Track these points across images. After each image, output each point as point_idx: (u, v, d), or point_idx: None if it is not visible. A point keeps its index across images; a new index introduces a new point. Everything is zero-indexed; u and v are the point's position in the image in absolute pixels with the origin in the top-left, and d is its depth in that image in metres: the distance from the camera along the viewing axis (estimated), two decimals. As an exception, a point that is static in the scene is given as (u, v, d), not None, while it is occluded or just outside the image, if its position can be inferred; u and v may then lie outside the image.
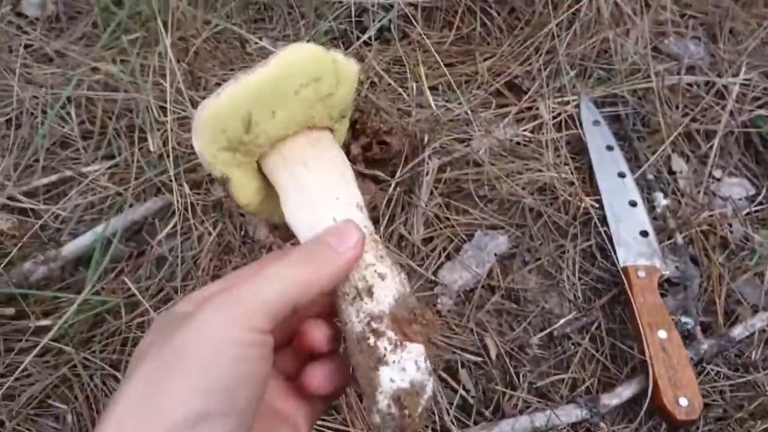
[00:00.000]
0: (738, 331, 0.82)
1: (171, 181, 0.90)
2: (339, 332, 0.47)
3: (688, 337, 0.81)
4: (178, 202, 0.85)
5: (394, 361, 0.43)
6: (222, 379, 0.37)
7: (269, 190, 0.51)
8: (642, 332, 0.78)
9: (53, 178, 0.95)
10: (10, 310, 0.80)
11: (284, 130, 0.48)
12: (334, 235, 0.45)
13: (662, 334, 0.77)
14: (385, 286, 0.45)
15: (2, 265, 0.82)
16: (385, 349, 0.43)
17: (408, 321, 0.44)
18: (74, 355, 0.77)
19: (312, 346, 0.46)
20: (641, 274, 0.83)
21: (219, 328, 0.39)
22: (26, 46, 1.09)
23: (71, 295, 0.81)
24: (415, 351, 0.44)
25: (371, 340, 0.43)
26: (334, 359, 0.47)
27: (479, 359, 0.81)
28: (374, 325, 0.44)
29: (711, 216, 0.93)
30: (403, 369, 0.43)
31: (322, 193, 0.47)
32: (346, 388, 0.49)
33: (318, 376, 0.46)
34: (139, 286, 0.83)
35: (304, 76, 0.46)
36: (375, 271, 0.46)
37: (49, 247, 0.87)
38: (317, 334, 0.46)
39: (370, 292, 0.45)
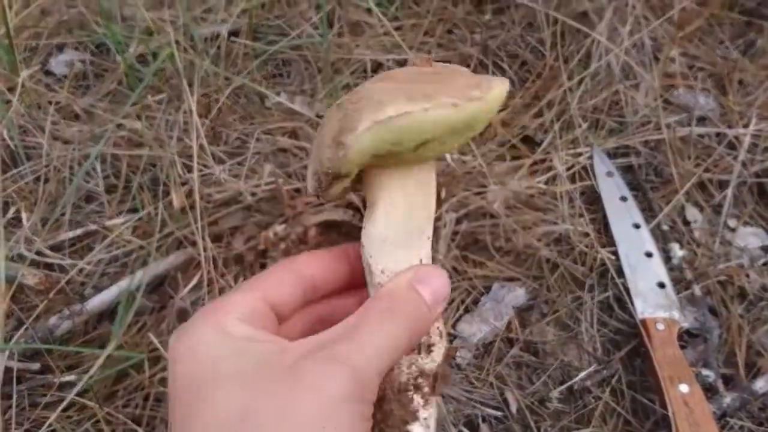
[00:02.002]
0: (760, 384, 0.81)
1: (193, 234, 0.92)
2: None
3: (709, 390, 0.81)
4: (201, 255, 0.87)
5: (424, 418, 0.43)
6: None
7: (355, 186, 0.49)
8: (663, 386, 0.78)
9: (78, 232, 0.98)
10: (35, 365, 0.81)
11: (434, 156, 0.46)
12: (427, 285, 0.41)
13: (684, 388, 0.77)
14: (441, 345, 0.45)
15: (29, 320, 0.84)
16: (419, 404, 0.43)
17: (436, 381, 0.44)
18: (98, 410, 0.78)
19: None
20: (660, 326, 0.83)
21: (344, 414, 0.35)
22: (54, 104, 1.13)
23: (95, 350, 0.82)
24: (435, 406, 0.44)
25: (411, 394, 0.43)
26: None
27: (500, 413, 0.80)
28: (420, 380, 0.43)
29: (728, 266, 0.93)
30: (428, 426, 0.43)
31: (416, 226, 0.45)
32: None
33: None
34: (162, 340, 0.84)
35: (492, 114, 0.44)
36: (437, 327, 0.44)
37: (74, 301, 0.88)
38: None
39: (429, 349, 0.44)
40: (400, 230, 0.45)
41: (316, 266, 0.47)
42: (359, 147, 0.41)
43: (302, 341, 0.39)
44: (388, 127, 0.40)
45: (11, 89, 1.05)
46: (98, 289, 0.91)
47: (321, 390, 0.34)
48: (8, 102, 1.01)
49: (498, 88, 0.43)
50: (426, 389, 0.43)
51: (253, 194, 1.00)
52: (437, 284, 0.42)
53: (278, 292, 0.45)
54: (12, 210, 0.95)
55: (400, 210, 0.45)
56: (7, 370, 0.79)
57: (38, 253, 0.92)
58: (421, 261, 0.45)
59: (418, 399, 0.43)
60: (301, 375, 0.35)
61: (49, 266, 0.94)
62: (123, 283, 0.89)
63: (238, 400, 0.34)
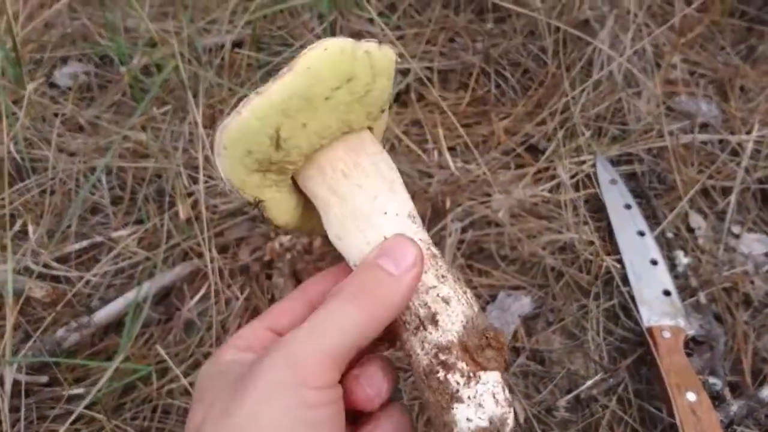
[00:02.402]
0: (767, 393, 0.81)
1: (200, 245, 0.93)
2: (390, 384, 0.43)
3: (716, 398, 0.81)
4: (208, 266, 0.87)
5: (469, 397, 0.38)
6: None
7: (308, 203, 0.47)
8: (670, 394, 0.78)
9: (84, 243, 0.98)
10: (43, 378, 0.81)
11: (319, 141, 0.43)
12: (388, 256, 0.40)
13: (691, 396, 0.77)
14: (451, 311, 0.40)
15: (37, 333, 0.84)
16: (458, 383, 0.38)
17: (480, 347, 0.39)
18: (106, 422, 0.78)
19: (361, 408, 0.42)
20: (666, 334, 0.84)
21: (278, 401, 0.36)
22: (58, 116, 1.13)
23: (103, 363, 0.82)
24: (491, 381, 0.39)
25: (441, 375, 0.39)
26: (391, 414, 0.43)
27: (507, 423, 0.80)
28: (442, 357, 0.39)
29: (732, 273, 0.93)
30: (480, 405, 0.38)
31: (367, 207, 0.43)
32: None
33: None
34: (168, 352, 0.84)
35: (334, 79, 0.40)
36: (438, 294, 0.40)
37: (81, 314, 0.88)
38: (361, 395, 0.42)
39: (434, 320, 0.40)
40: (346, 223, 0.43)
41: (323, 286, 0.48)
42: (226, 171, 0.42)
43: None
44: (227, 142, 0.40)
45: (16, 102, 1.06)
46: (104, 301, 0.91)
47: (259, 380, 0.36)
48: (14, 114, 1.01)
49: (310, 52, 0.39)
50: (462, 365, 0.38)
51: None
52: (400, 251, 0.40)
53: (283, 317, 0.47)
54: (18, 223, 0.96)
55: (333, 206, 0.43)
56: (16, 383, 0.79)
57: (45, 265, 0.92)
58: (385, 238, 0.42)
59: (454, 378, 0.38)
60: (249, 372, 0.37)
61: (56, 278, 0.94)
62: (130, 295, 0.89)
63: (201, 411, 0.39)
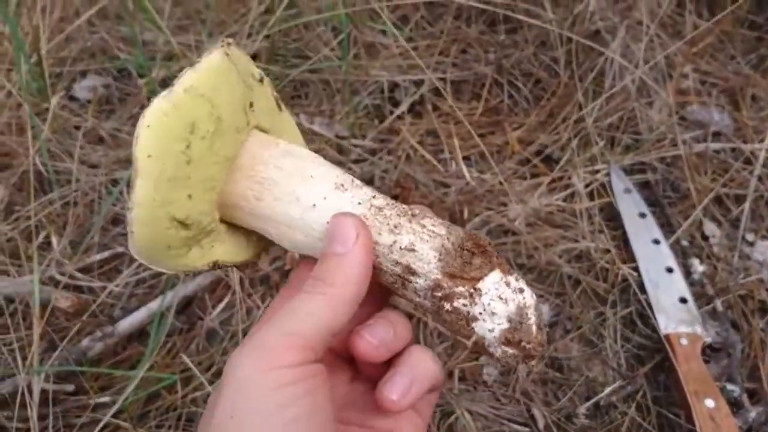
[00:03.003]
0: (785, 398, 0.82)
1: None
2: (398, 333, 0.43)
3: (734, 405, 0.82)
4: (232, 276, 0.88)
5: (480, 312, 0.39)
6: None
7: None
8: (689, 401, 0.78)
9: (106, 254, 0.99)
10: (70, 387, 0.83)
11: (215, 193, 0.43)
12: (334, 240, 0.41)
13: (709, 403, 0.78)
14: (421, 255, 0.41)
15: (64, 343, 0.85)
16: (465, 306, 0.40)
17: (464, 265, 0.40)
18: (132, 430, 0.79)
19: (365, 360, 0.43)
20: (684, 341, 0.84)
21: (250, 391, 0.36)
22: (78, 128, 1.15)
23: (129, 372, 0.83)
24: (491, 285, 0.40)
25: (447, 307, 0.40)
26: (401, 364, 0.44)
27: (527, 430, 0.81)
28: (438, 294, 0.40)
29: (747, 281, 0.94)
30: (493, 313, 0.39)
31: (296, 212, 0.43)
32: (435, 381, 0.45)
33: (395, 392, 0.42)
34: (192, 360, 0.86)
35: (176, 143, 0.39)
36: (400, 247, 0.41)
37: (104, 323, 0.90)
38: (362, 344, 0.42)
39: (411, 271, 0.41)
40: (289, 234, 0.43)
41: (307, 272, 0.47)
42: (169, 268, 0.43)
43: None
44: (141, 246, 0.41)
45: (39, 114, 1.08)
46: (127, 311, 0.92)
47: (231, 376, 0.37)
48: (33, 128, 1.03)
49: (141, 138, 0.38)
50: (459, 289, 0.39)
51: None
52: (339, 230, 0.41)
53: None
54: (42, 234, 0.97)
55: (268, 228, 0.44)
56: (43, 392, 0.80)
57: (69, 276, 0.94)
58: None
59: (459, 304, 0.39)
60: (224, 372, 0.38)
61: (78, 288, 0.96)
62: (152, 305, 0.91)
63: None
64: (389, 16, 1.31)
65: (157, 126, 0.39)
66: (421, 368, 0.44)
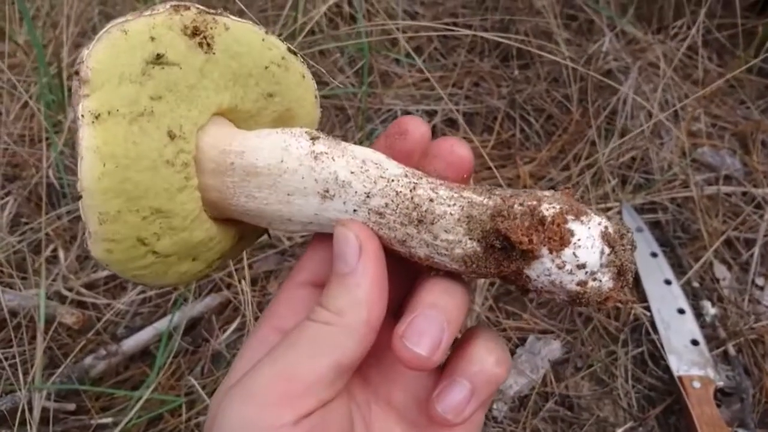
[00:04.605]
0: (798, 447, 0.81)
1: (230, 276, 0.93)
2: (442, 330, 0.36)
3: (747, 451, 0.81)
4: (243, 298, 0.87)
5: (540, 255, 0.35)
6: None
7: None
8: (703, 446, 0.77)
9: (113, 270, 0.98)
10: (71, 406, 0.81)
11: (217, 250, 0.41)
12: (336, 258, 0.36)
13: (723, 448, 0.77)
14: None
15: (68, 360, 0.83)
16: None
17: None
18: (133, 454, 0.77)
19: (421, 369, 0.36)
20: (696, 384, 0.84)
21: None
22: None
23: (133, 392, 0.82)
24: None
25: (489, 259, 0.36)
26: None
27: (537, 469, 0.80)
28: (487, 245, 0.35)
29: (759, 325, 0.94)
30: (542, 255, 0.35)
31: (294, 227, 0.40)
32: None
33: (450, 409, 0.37)
34: (199, 383, 0.84)
35: (146, 159, 0.35)
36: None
37: (108, 341, 0.88)
38: (409, 360, 0.35)
39: (429, 227, 0.36)
40: (289, 227, 0.40)
41: (314, 263, 0.42)
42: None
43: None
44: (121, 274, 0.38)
45: (54, 125, 1.07)
46: (131, 329, 0.91)
47: (224, 424, 0.33)
48: (47, 139, 1.02)
49: (83, 170, 0.34)
50: (497, 243, 0.35)
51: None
52: (339, 245, 0.36)
53: (285, 312, 0.40)
54: (50, 248, 0.96)
55: (261, 213, 0.39)
56: (43, 410, 0.78)
57: (75, 291, 0.92)
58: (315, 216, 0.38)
59: (501, 258, 0.35)
60: (215, 414, 0.35)
61: (83, 304, 0.94)
62: (158, 324, 0.89)
63: None
64: (404, 45, 1.33)
65: (106, 150, 0.34)
66: (482, 376, 0.37)
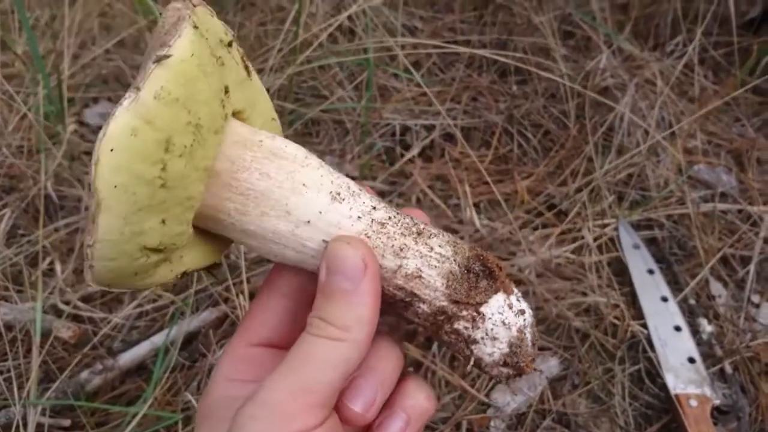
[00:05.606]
0: (794, 466, 0.81)
1: (227, 291, 0.93)
2: (377, 393, 0.41)
3: (744, 471, 0.81)
4: (234, 314, 0.87)
5: (482, 337, 0.39)
6: None
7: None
8: (700, 465, 0.77)
9: (109, 283, 0.98)
10: (66, 422, 0.80)
11: (191, 213, 0.37)
12: (336, 272, 0.37)
13: (721, 467, 0.77)
14: (428, 282, 0.39)
15: (63, 375, 0.83)
16: (466, 329, 0.39)
17: (470, 290, 0.39)
18: (128, 471, 0.76)
19: (357, 425, 0.41)
20: (693, 403, 0.84)
21: None
22: (89, 154, 1.14)
23: (129, 408, 0.81)
24: (495, 308, 0.39)
25: (446, 329, 0.39)
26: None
27: (534, 487, 0.80)
28: (440, 317, 0.39)
29: (755, 343, 0.94)
30: (495, 338, 0.39)
31: (285, 228, 0.38)
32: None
33: None
34: (197, 399, 0.83)
35: (148, 169, 0.33)
36: (406, 273, 0.39)
37: (104, 356, 0.88)
38: (349, 418, 0.40)
39: (415, 297, 0.39)
40: (278, 249, 0.39)
41: (291, 277, 0.43)
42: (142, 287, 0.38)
43: (249, 394, 0.38)
44: (112, 286, 0.36)
45: (50, 138, 1.07)
46: (127, 344, 0.90)
47: None
48: (46, 151, 1.02)
49: (100, 164, 0.31)
50: (463, 313, 0.38)
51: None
52: (344, 261, 0.37)
53: (260, 326, 0.43)
54: (47, 261, 0.96)
55: (251, 243, 0.39)
56: (38, 426, 0.77)
57: (71, 305, 0.92)
58: (324, 242, 0.38)
59: (461, 326, 0.38)
60: (234, 426, 0.36)
61: (79, 317, 0.93)
62: (155, 339, 0.89)
63: None
64: (402, 60, 1.33)
65: (123, 150, 0.31)
66: (416, 413, 0.42)
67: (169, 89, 0.32)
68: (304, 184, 0.38)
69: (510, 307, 0.39)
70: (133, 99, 0.32)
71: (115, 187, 0.32)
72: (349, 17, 1.21)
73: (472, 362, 0.40)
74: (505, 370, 0.40)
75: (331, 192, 0.39)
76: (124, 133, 0.31)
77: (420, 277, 0.39)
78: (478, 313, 0.39)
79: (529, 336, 0.40)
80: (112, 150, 0.32)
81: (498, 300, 0.39)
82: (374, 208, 0.39)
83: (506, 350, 0.39)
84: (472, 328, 0.39)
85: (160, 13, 0.37)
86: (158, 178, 0.33)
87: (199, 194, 0.37)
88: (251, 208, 0.38)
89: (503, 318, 0.39)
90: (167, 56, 0.32)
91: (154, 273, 0.38)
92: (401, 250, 0.39)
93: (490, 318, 0.39)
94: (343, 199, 0.39)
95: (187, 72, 0.33)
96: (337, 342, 0.37)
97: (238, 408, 0.37)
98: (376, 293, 0.38)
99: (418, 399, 0.43)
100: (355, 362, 0.38)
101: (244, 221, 0.38)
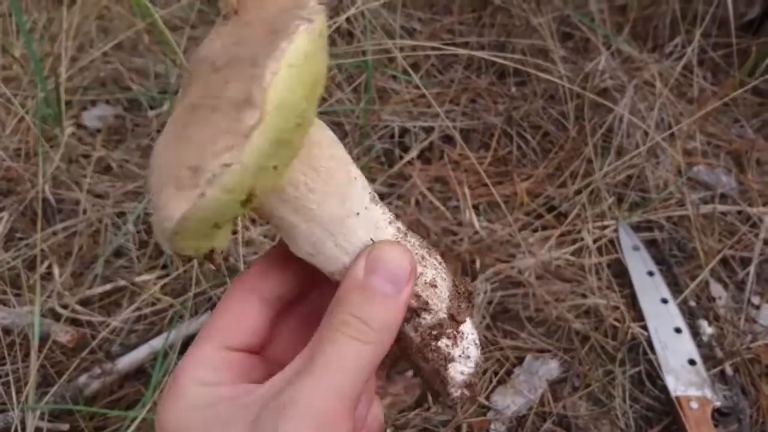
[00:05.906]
0: (795, 468, 0.81)
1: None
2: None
3: (745, 473, 0.81)
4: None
5: (459, 355, 0.40)
6: None
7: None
8: (701, 468, 0.77)
9: (108, 287, 0.97)
10: (64, 426, 0.80)
11: (286, 170, 0.36)
12: (380, 274, 0.36)
13: (722, 470, 0.77)
14: (440, 293, 0.40)
15: (62, 379, 0.82)
16: (447, 346, 0.40)
17: (459, 306, 0.41)
18: (127, 476, 0.76)
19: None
20: (694, 405, 0.83)
21: None
22: (86, 157, 1.14)
23: (127, 412, 0.81)
24: (469, 328, 0.41)
25: (433, 345, 0.40)
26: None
27: (535, 491, 0.79)
28: (435, 332, 0.40)
29: (755, 345, 0.94)
30: (468, 356, 0.41)
31: (339, 213, 0.37)
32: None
33: None
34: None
35: (302, 100, 0.32)
36: (425, 282, 0.39)
37: (103, 360, 0.87)
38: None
39: (426, 307, 0.40)
40: (319, 238, 0.38)
41: (272, 278, 0.42)
42: (183, 249, 0.34)
43: (262, 388, 0.37)
44: (181, 232, 0.33)
45: (48, 141, 1.06)
46: (125, 347, 0.90)
47: None
48: (44, 154, 1.02)
49: (274, 82, 0.30)
50: (449, 330, 0.40)
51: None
52: (393, 263, 0.36)
53: (239, 329, 0.41)
54: (45, 264, 0.95)
55: (299, 224, 0.37)
56: (37, 430, 0.77)
57: (69, 308, 0.91)
58: (372, 240, 0.38)
59: (444, 344, 0.40)
60: (263, 429, 0.34)
61: (77, 321, 0.93)
62: (154, 343, 0.88)
63: None
64: (401, 62, 1.33)
65: (299, 68, 0.30)
66: (376, 426, 0.43)
67: (322, 32, 0.32)
68: (355, 177, 0.38)
69: (475, 329, 0.42)
70: (308, 26, 0.31)
71: (279, 105, 0.30)
72: (348, 19, 1.21)
73: (441, 378, 0.41)
74: (466, 392, 0.41)
75: (369, 193, 0.39)
76: (299, 55, 0.30)
77: (435, 286, 0.40)
78: (458, 332, 0.40)
79: (478, 369, 0.43)
80: (290, 66, 0.30)
81: (470, 321, 0.41)
82: (397, 216, 0.41)
83: (472, 370, 0.41)
84: (452, 345, 0.40)
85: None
86: (300, 116, 0.32)
87: (298, 151, 0.35)
88: (320, 186, 0.37)
89: (474, 338, 0.41)
90: (311, 19, 0.32)
91: (226, 232, 0.36)
92: (422, 259, 0.39)
93: (466, 337, 0.41)
94: (377, 203, 0.39)
95: (324, 34, 0.33)
96: (368, 345, 0.36)
97: (261, 410, 0.34)
98: (408, 302, 0.38)
99: (379, 416, 0.44)
100: (377, 363, 0.37)
101: (310, 198, 0.37)
